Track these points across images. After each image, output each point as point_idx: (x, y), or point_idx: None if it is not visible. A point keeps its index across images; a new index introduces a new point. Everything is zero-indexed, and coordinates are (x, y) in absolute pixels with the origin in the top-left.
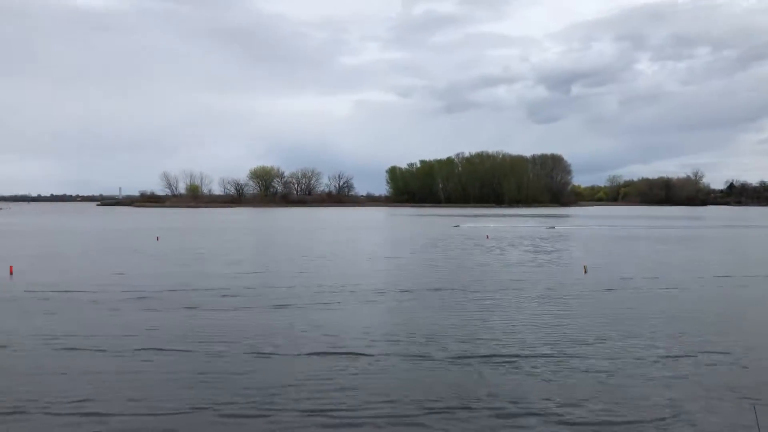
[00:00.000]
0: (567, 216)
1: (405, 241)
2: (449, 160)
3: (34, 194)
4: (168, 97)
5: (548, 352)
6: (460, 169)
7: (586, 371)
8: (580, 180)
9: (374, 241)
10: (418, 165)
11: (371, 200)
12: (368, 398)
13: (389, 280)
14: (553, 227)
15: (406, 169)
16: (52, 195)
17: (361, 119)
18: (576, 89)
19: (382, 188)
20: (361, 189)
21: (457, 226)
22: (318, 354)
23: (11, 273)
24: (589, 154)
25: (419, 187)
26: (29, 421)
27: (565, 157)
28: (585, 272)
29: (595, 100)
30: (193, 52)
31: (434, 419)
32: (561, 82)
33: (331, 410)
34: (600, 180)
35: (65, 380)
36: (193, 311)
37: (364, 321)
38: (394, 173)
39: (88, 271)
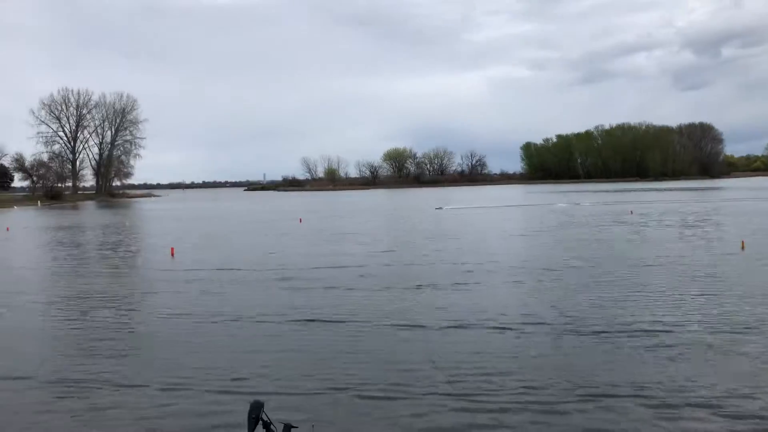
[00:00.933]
0: (719, 188)
1: (541, 218)
2: (587, 134)
3: (187, 182)
4: (307, 84)
5: (704, 335)
6: (599, 142)
7: (757, 358)
8: (733, 150)
9: (510, 218)
10: (554, 140)
11: (505, 178)
12: (510, 382)
13: (527, 258)
14: (703, 200)
15: (541, 144)
16: (203, 182)
17: (493, 96)
18: (727, 51)
19: (516, 166)
20: (494, 167)
21: (581, 203)
22: (458, 331)
23: (173, 255)
24: (743, 121)
25: (556, 162)
26: (189, 397)
27: (716, 126)
28: (743, 248)
29: (749, 63)
30: (328, 38)
31: (582, 406)
32: (709, 44)
33: (473, 395)
34: (756, 149)
35: (219, 355)
36: (335, 291)
37: (504, 300)
38: (528, 150)
39: (240, 251)
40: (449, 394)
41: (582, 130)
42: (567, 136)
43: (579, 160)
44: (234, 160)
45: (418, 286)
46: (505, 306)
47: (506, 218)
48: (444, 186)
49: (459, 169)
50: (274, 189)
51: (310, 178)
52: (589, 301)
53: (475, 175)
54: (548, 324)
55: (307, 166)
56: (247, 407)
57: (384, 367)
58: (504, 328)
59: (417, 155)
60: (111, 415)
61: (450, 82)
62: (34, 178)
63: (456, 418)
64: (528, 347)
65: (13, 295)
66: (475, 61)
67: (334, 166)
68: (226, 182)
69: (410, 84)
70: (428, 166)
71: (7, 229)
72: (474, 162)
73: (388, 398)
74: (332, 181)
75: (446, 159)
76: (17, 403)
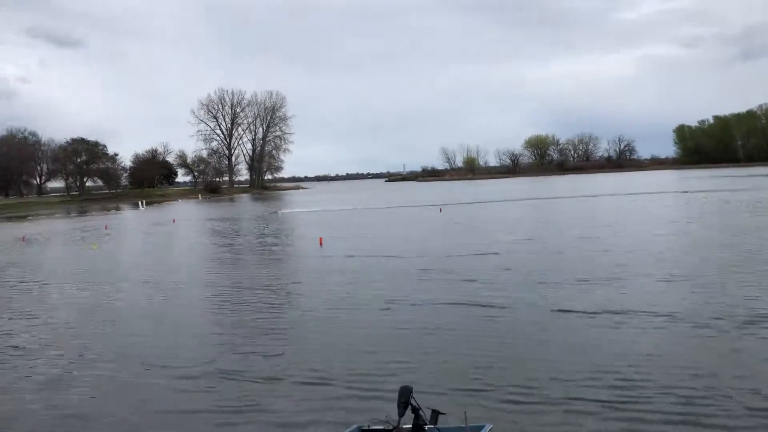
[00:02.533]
0: None
1: (705, 206)
2: (750, 114)
3: (332, 174)
4: (444, 73)
5: None
6: (763, 122)
7: None
8: None
9: (667, 205)
10: (711, 121)
11: (656, 163)
12: (659, 379)
13: (691, 249)
14: None
15: (696, 127)
16: (346, 174)
17: (643, 77)
18: None
19: (668, 150)
20: (644, 152)
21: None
22: (612, 328)
23: (321, 244)
24: None
25: (713, 146)
26: (333, 386)
27: None
28: None
29: None
30: (466, 25)
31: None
32: None
33: (624, 402)
34: None
35: (364, 340)
36: (479, 279)
37: (661, 298)
38: (682, 133)
39: (384, 240)
40: (611, 402)
41: (742, 110)
42: (725, 117)
43: (740, 142)
44: (375, 152)
45: (578, 279)
46: (662, 304)
47: (664, 205)
48: (589, 173)
49: (605, 154)
50: (413, 179)
51: (449, 167)
52: None
53: (622, 161)
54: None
55: (446, 155)
56: (396, 392)
57: (537, 359)
58: (652, 331)
59: (560, 141)
60: (258, 405)
61: (595, 64)
62: (195, 173)
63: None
64: (689, 341)
65: (172, 282)
66: (625, 40)
67: (474, 155)
68: (368, 173)
69: (552, 68)
70: (572, 152)
71: (174, 221)
72: (622, 147)
73: (544, 395)
74: (471, 170)
75: (591, 145)
76: (165, 390)
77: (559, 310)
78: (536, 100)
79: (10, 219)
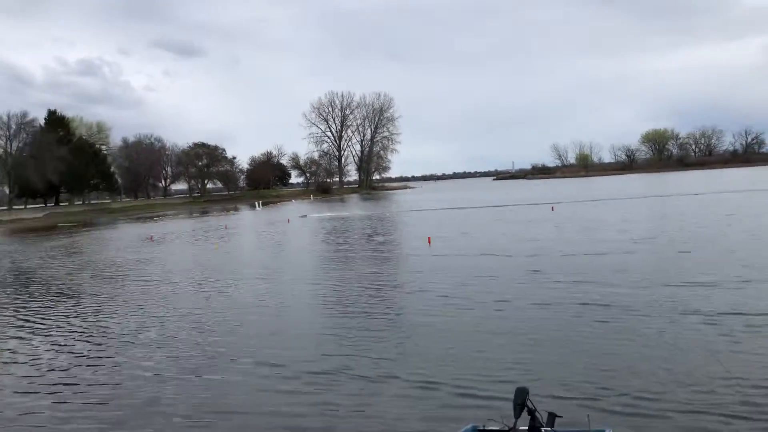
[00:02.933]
0: None
1: None
2: None
3: (439, 173)
4: (553, 68)
5: None
6: None
7: None
8: None
9: None
10: None
11: None
12: None
13: None
14: None
15: None
16: (454, 173)
17: None
18: None
19: None
20: None
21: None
22: (744, 332)
23: (429, 243)
24: None
25: None
26: (445, 385)
27: None
28: None
29: None
30: (576, 18)
31: None
32: None
33: (757, 414)
34: None
35: (475, 341)
36: (589, 284)
37: None
38: None
39: (494, 239)
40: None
41: None
42: None
43: None
44: (483, 150)
45: (707, 280)
46: None
47: None
48: (713, 168)
49: (731, 148)
50: (522, 177)
51: (560, 164)
52: None
53: (750, 155)
54: None
55: (557, 152)
56: (509, 396)
57: (661, 363)
58: None
59: (680, 135)
60: (360, 405)
61: (720, 52)
62: (307, 174)
63: None
64: None
65: (286, 279)
66: (751, 26)
67: (587, 151)
68: (476, 172)
69: (671, 59)
70: (693, 147)
71: (288, 220)
72: (749, 140)
73: (669, 401)
74: (584, 167)
75: (714, 138)
76: (275, 387)
77: (686, 312)
78: (653, 92)
79: (139, 219)
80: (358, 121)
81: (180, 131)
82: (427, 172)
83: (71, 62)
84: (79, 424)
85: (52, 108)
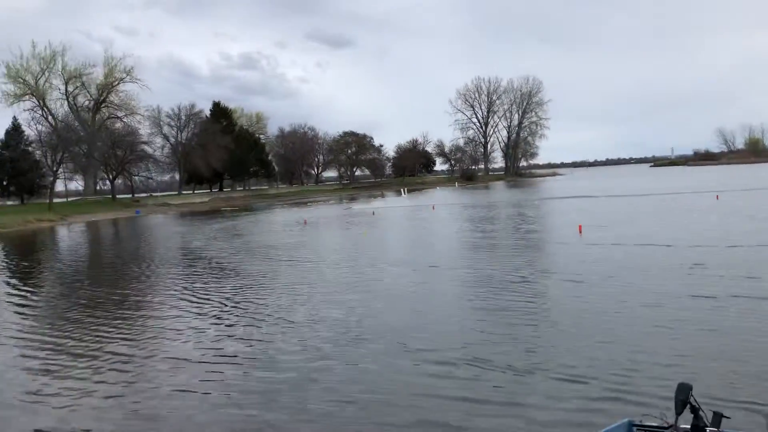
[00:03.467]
0: None
1: None
2: None
3: (590, 160)
4: (719, 46)
5: None
6: None
7: None
8: None
9: None
10: None
11: None
12: None
13: None
14: None
15: None
16: (606, 159)
17: None
18: None
19: None
20: None
21: None
22: None
23: (580, 232)
24: None
25: None
26: (593, 380)
27: None
28: None
29: None
30: None
31: None
32: None
33: None
34: None
35: (625, 335)
36: (758, 279)
37: None
38: None
39: (651, 228)
40: None
41: None
42: None
43: None
44: (638, 135)
45: None
46: None
47: None
48: None
49: None
50: (682, 164)
51: (726, 150)
52: None
53: None
54: None
55: (723, 137)
56: (667, 395)
57: None
58: None
59: None
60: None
61: None
62: (452, 162)
63: None
64: None
65: (432, 266)
66: None
67: (758, 136)
68: (630, 158)
69: None
70: None
71: (433, 207)
72: None
73: None
74: (754, 152)
75: None
76: (420, 372)
77: None
78: None
79: (295, 204)
80: (505, 107)
81: (331, 120)
82: (578, 159)
83: (233, 56)
84: (231, 393)
85: (216, 100)
